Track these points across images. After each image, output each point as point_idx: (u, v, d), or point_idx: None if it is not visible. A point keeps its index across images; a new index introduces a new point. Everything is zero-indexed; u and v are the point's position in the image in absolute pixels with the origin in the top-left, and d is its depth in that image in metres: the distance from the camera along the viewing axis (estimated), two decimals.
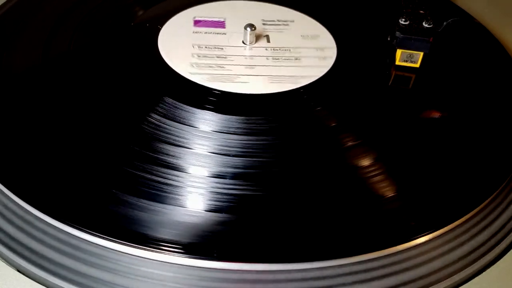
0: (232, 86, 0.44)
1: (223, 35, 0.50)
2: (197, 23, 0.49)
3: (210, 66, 0.46)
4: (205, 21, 0.50)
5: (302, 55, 0.49)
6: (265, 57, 0.48)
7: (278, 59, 0.48)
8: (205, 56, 0.47)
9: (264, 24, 0.52)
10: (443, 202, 0.37)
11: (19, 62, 0.46)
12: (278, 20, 0.53)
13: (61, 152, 0.38)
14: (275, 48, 0.49)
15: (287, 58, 0.48)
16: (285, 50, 0.49)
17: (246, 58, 0.48)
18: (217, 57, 0.48)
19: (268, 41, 0.50)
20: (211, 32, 0.50)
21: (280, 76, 0.46)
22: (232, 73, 0.46)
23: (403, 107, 0.44)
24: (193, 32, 0.50)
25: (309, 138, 0.40)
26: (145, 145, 0.39)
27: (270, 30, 0.52)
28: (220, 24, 0.50)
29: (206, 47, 0.49)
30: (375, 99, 0.45)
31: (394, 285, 0.34)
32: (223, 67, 0.46)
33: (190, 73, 0.45)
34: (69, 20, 0.51)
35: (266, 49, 0.49)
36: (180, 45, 0.49)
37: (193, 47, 0.49)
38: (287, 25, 0.53)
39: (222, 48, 0.49)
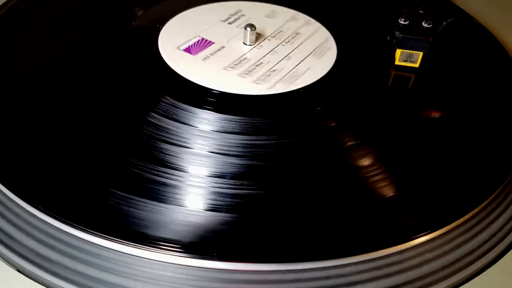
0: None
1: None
2: (187, 50, 0.49)
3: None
4: (193, 45, 0.50)
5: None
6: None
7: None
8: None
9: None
10: (443, 202, 0.37)
11: (19, 62, 0.46)
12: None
13: (61, 152, 0.38)
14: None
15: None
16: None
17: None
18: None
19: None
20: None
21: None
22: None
23: (403, 107, 0.45)
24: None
25: (309, 138, 0.40)
26: (145, 144, 0.39)
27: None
28: (208, 43, 0.50)
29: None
30: (374, 99, 0.45)
31: (394, 285, 0.34)
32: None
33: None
34: (69, 20, 0.51)
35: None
36: (182, 43, 0.49)
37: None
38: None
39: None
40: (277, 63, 0.47)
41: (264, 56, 0.48)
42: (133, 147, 0.39)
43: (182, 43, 0.49)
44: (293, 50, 0.49)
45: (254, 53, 0.49)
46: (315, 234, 0.34)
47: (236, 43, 0.50)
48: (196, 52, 0.48)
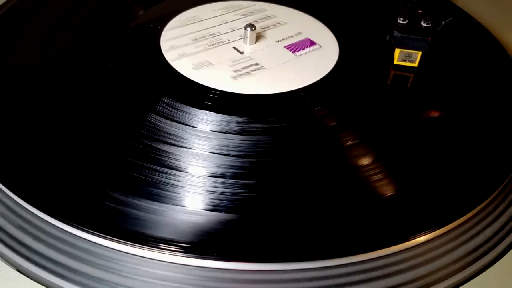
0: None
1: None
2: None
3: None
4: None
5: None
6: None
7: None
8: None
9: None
10: (443, 201, 0.37)
11: (19, 62, 0.46)
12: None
13: (61, 151, 0.38)
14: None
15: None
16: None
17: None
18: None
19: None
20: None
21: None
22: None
23: (402, 106, 0.45)
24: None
25: (308, 138, 0.40)
26: (145, 144, 0.39)
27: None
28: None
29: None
30: (374, 98, 0.45)
31: (394, 285, 0.34)
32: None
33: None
34: (69, 20, 0.51)
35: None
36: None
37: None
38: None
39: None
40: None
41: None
42: (133, 147, 0.39)
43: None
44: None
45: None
46: (315, 234, 0.34)
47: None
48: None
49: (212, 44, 0.49)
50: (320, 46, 0.50)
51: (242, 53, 0.49)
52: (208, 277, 0.33)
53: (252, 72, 0.46)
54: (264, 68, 0.47)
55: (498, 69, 0.49)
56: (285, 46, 0.50)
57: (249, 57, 0.48)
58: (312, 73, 0.46)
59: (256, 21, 0.53)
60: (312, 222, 0.35)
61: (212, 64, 0.47)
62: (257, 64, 0.47)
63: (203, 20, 0.52)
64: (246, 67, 0.47)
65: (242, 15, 0.54)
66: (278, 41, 0.51)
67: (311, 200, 0.36)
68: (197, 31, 0.50)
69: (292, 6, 0.55)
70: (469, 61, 0.50)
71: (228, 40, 0.50)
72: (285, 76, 0.46)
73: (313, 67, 0.47)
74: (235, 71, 0.46)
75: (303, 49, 0.49)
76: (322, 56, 0.49)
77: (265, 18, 0.54)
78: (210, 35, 0.50)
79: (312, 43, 0.50)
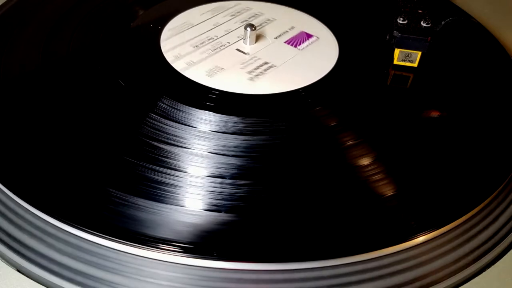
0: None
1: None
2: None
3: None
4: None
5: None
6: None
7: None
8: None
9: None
10: (443, 202, 0.37)
11: (19, 62, 0.46)
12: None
13: (61, 152, 0.38)
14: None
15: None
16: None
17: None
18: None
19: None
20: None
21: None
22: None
23: (402, 106, 0.45)
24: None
25: (309, 138, 0.40)
26: (144, 145, 0.39)
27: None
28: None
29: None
30: (374, 98, 0.45)
31: (394, 285, 0.34)
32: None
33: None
34: (69, 20, 0.51)
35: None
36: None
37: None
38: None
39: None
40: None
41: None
42: (133, 147, 0.39)
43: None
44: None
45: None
46: (314, 234, 0.34)
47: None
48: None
49: (215, 49, 0.49)
50: (318, 38, 0.50)
51: (247, 54, 0.49)
52: (208, 277, 0.33)
53: (265, 72, 0.46)
54: (275, 66, 0.47)
55: (498, 69, 0.49)
56: (285, 42, 0.50)
57: (255, 57, 0.48)
58: (313, 72, 0.46)
59: (246, 20, 0.53)
60: (312, 222, 0.35)
61: (223, 68, 0.46)
62: (266, 63, 0.47)
63: (195, 25, 0.52)
64: (257, 67, 0.47)
65: (231, 15, 0.54)
66: (276, 38, 0.51)
67: (311, 200, 0.36)
68: (194, 37, 0.50)
69: (293, 7, 0.55)
70: (469, 61, 0.50)
71: (228, 42, 0.50)
72: (296, 73, 0.46)
73: (314, 65, 0.47)
74: (249, 72, 0.46)
75: (303, 42, 0.50)
76: (323, 53, 0.49)
77: (253, 16, 0.54)
78: (209, 39, 0.50)
79: (308, 35, 0.50)
